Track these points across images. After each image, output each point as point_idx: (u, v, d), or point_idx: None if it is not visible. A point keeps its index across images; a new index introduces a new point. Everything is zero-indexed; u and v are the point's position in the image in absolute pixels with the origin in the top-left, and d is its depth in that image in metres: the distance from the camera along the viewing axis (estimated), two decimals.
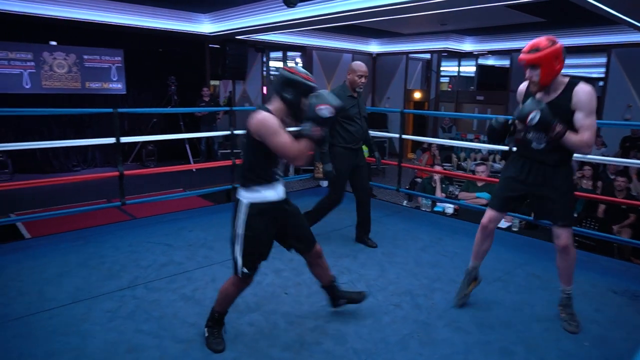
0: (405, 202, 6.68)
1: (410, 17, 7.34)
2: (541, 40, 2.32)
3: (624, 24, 7.24)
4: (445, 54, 12.35)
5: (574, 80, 2.35)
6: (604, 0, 5.69)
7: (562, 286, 2.64)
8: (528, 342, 2.42)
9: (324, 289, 2.60)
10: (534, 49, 2.32)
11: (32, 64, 7.65)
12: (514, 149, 2.64)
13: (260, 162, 2.16)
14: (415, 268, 3.35)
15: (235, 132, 5.13)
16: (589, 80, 17.48)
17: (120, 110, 4.13)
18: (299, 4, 6.71)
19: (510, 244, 3.93)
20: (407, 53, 12.89)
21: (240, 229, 2.19)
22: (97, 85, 8.41)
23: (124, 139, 4.32)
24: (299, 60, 12.99)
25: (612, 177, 6.54)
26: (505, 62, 11.90)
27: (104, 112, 4.50)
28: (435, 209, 5.26)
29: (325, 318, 2.61)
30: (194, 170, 7.43)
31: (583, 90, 2.30)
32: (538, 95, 2.40)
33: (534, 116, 2.26)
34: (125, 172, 4.18)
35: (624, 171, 6.68)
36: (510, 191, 2.59)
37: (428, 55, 12.76)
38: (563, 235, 2.48)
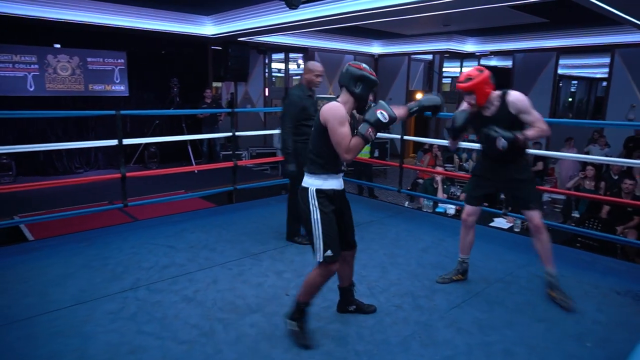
0: (406, 203, 6.69)
1: (413, 18, 7.34)
2: (472, 71, 2.80)
3: (628, 24, 7.21)
4: (448, 55, 12.34)
5: (504, 91, 2.83)
6: (607, 0, 5.67)
7: (545, 268, 2.90)
8: (530, 343, 2.41)
9: (340, 290, 2.66)
10: (468, 79, 2.77)
11: (36, 66, 7.69)
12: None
13: (329, 151, 2.25)
14: (417, 269, 3.35)
15: (237, 133, 5.15)
16: (592, 81, 17.45)
17: (122, 112, 4.15)
18: (301, 6, 6.72)
19: (512, 244, 3.92)
20: (409, 54, 12.89)
21: (315, 214, 2.27)
22: (100, 87, 8.45)
23: (126, 141, 4.34)
24: (301, 62, 13.01)
25: (616, 177, 6.51)
26: (508, 63, 11.88)
27: (107, 114, 4.51)
28: (437, 209, 5.26)
29: (327, 319, 2.61)
30: (196, 171, 7.45)
31: (514, 98, 2.79)
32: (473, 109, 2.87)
33: (503, 143, 2.71)
34: (128, 174, 4.20)
35: (628, 172, 6.66)
36: (480, 188, 3.02)
37: (430, 56, 12.75)
38: (535, 217, 2.84)
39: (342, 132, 2.18)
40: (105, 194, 5.84)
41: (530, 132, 2.78)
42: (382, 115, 2.19)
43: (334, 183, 2.32)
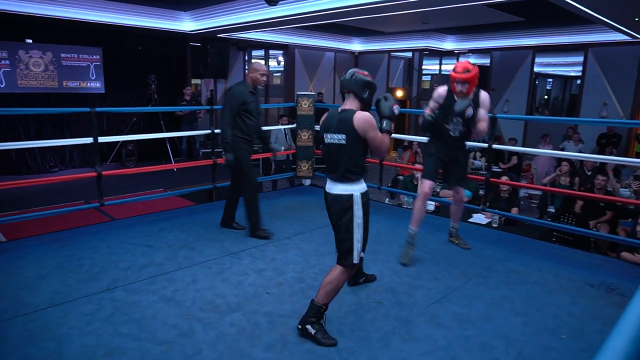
0: (387, 200, 6.72)
1: (392, 15, 7.37)
2: (468, 64, 3.30)
3: (601, 23, 7.40)
4: (427, 52, 12.46)
5: (477, 88, 3.41)
6: (581, 1, 5.80)
7: (452, 224, 3.79)
8: (508, 336, 2.46)
9: None
10: (466, 71, 3.26)
11: (7, 62, 7.46)
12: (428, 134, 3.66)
13: (362, 157, 2.40)
14: (397, 265, 3.37)
15: (217, 130, 5.09)
16: (566, 79, 17.83)
17: (98, 109, 4.06)
18: (281, 2, 6.68)
19: (490, 240, 3.99)
20: (389, 51, 12.96)
21: (360, 219, 2.37)
22: (75, 84, 8.24)
23: (102, 139, 4.24)
24: (281, 58, 12.95)
25: (589, 173, 6.68)
26: (486, 61, 12.06)
27: (81, 111, 4.40)
28: None
29: None
30: (175, 170, 7.35)
31: (485, 95, 3.43)
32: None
33: (470, 112, 3.26)
34: (104, 173, 4.11)
35: (601, 168, 6.84)
36: (437, 165, 3.56)
37: (410, 54, 12.85)
38: (461, 191, 3.72)
39: (379, 137, 2.39)
40: (81, 193, 5.71)
41: (479, 123, 3.35)
42: (397, 109, 2.46)
43: (366, 185, 2.46)
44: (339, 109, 2.44)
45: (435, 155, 3.56)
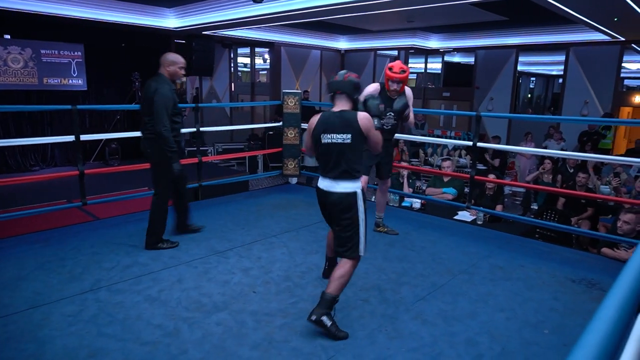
0: (373, 197, 6.74)
1: (378, 13, 7.40)
2: (403, 64, 3.54)
3: (581, 23, 7.53)
4: (413, 51, 12.53)
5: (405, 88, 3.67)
6: (562, 1, 5.90)
7: (378, 214, 4.03)
8: (492, 332, 2.49)
9: (329, 259, 2.97)
10: (402, 71, 3.49)
11: None
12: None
13: (361, 155, 2.52)
14: (383, 263, 3.38)
15: (202, 129, 5.04)
16: (549, 78, 18.09)
17: (79, 107, 3.99)
18: (266, 0, 6.65)
19: (474, 236, 4.03)
20: (375, 50, 13.00)
21: (363, 213, 2.49)
22: (55, 81, 8.08)
23: (84, 137, 4.17)
24: (267, 56, 12.89)
25: (571, 170, 6.80)
26: (470, 60, 12.18)
27: (63, 109, 4.32)
28: (403, 204, 5.33)
29: (294, 315, 2.60)
30: None
31: (409, 91, 3.69)
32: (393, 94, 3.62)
33: (407, 110, 3.65)
34: (86, 171, 4.04)
35: (582, 165, 6.96)
36: (371, 160, 3.64)
37: (396, 52, 12.91)
38: (388, 182, 4.00)
39: (377, 134, 2.55)
40: (63, 192, 5.61)
41: (412, 117, 3.82)
42: (382, 108, 2.73)
43: None
44: (335, 110, 2.49)
45: (368, 151, 3.69)
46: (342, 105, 2.50)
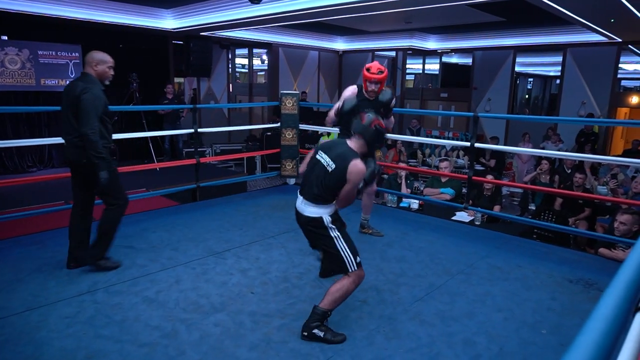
0: None
1: (376, 14, 7.41)
2: (381, 66, 3.47)
3: (578, 24, 7.56)
4: (410, 51, 12.55)
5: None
6: (558, 1, 5.92)
7: (364, 216, 4.02)
8: (490, 332, 2.49)
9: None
10: (380, 72, 3.43)
11: None
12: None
13: (337, 192, 2.43)
14: (381, 263, 3.39)
15: (200, 130, 5.04)
16: (546, 78, 18.10)
17: None
18: (264, 0, 6.65)
19: (472, 237, 4.04)
20: (372, 50, 13.01)
21: (333, 232, 2.44)
22: (53, 82, 8.05)
23: None
24: (265, 57, 12.89)
25: (569, 171, 6.82)
26: (468, 60, 12.21)
27: (60, 110, 4.30)
28: (401, 204, 5.34)
29: (292, 316, 2.60)
30: (158, 169, 7.25)
31: (388, 93, 3.58)
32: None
33: (393, 102, 3.67)
34: None
35: (579, 165, 6.98)
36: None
37: (393, 53, 12.92)
38: (375, 185, 3.94)
39: (352, 192, 2.43)
40: (60, 194, 5.58)
41: (392, 117, 3.82)
42: (377, 170, 2.63)
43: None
44: (348, 142, 2.49)
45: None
46: (355, 146, 2.47)
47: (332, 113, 3.57)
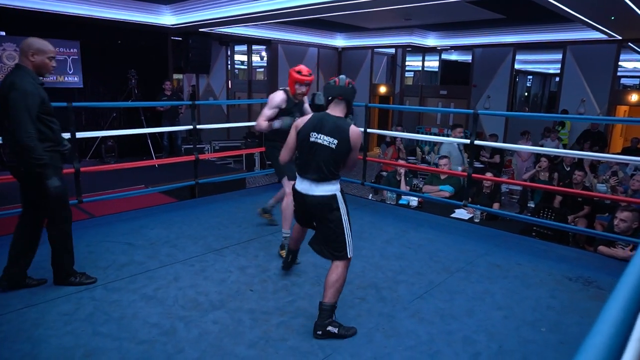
0: (370, 195, 6.74)
1: (375, 11, 7.38)
2: (309, 69, 3.48)
3: (579, 21, 7.54)
4: (410, 48, 12.52)
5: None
6: None
7: (272, 203, 3.99)
8: (489, 330, 2.49)
9: (292, 252, 3.07)
10: (310, 74, 3.45)
11: None
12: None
13: (341, 164, 2.50)
14: (381, 261, 3.38)
15: (199, 126, 5.02)
16: (545, 76, 18.08)
17: (75, 104, 3.96)
18: None
19: (472, 234, 4.03)
20: (372, 47, 12.98)
21: (346, 214, 2.47)
22: (51, 78, 8.01)
23: (80, 134, 4.15)
24: (264, 54, 12.85)
25: (568, 169, 6.82)
26: (467, 58, 12.18)
27: (58, 106, 4.28)
28: (400, 202, 5.33)
29: (291, 314, 2.59)
30: (156, 166, 7.24)
31: (321, 98, 3.42)
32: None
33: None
34: (82, 169, 4.01)
35: (579, 163, 6.98)
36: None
37: (393, 50, 12.89)
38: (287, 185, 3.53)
39: (357, 157, 2.55)
40: None
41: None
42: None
43: None
44: (331, 114, 2.48)
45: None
46: (338, 111, 2.49)
47: (263, 123, 3.44)
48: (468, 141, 4.30)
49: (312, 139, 2.45)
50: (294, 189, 2.59)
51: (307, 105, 3.62)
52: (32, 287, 2.78)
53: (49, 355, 2.16)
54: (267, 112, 3.45)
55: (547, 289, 3.00)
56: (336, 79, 2.51)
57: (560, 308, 2.76)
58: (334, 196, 2.45)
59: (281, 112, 3.47)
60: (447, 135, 10.97)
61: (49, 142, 2.64)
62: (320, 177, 2.43)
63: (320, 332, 2.36)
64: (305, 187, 2.49)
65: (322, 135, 2.42)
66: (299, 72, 3.41)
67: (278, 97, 3.46)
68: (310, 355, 2.23)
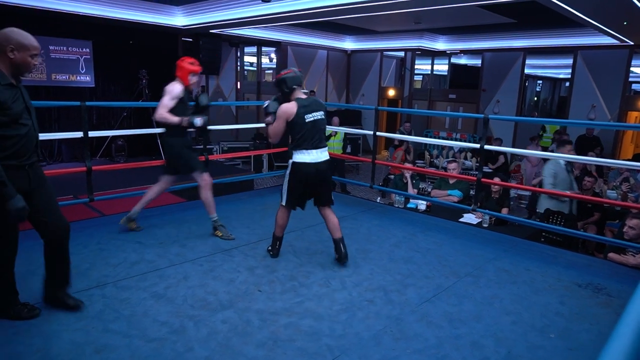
0: (379, 198, 6.74)
1: (385, 14, 7.39)
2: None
3: (590, 26, 7.49)
4: (419, 52, 12.51)
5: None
6: (570, 3, 5.87)
7: (210, 215, 3.79)
8: (497, 335, 2.48)
9: (279, 239, 3.46)
10: (198, 63, 3.67)
11: None
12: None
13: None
14: (389, 264, 3.38)
15: (209, 127, 5.04)
16: (555, 81, 17.95)
17: (88, 103, 4.01)
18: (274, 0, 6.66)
19: (480, 239, 4.02)
20: (381, 50, 12.99)
21: None
22: (64, 77, 8.12)
23: (92, 133, 4.20)
24: (273, 55, 12.90)
25: (577, 174, 6.76)
26: (477, 62, 12.14)
27: (71, 105, 4.34)
28: (409, 205, 5.33)
29: (299, 315, 2.60)
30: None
31: (206, 98, 4.00)
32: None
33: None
34: (94, 168, 4.06)
35: (585, 169, 6.93)
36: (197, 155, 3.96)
37: (402, 53, 12.89)
38: (197, 176, 3.78)
39: None
40: (70, 188, 5.62)
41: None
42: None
43: None
44: (303, 97, 3.18)
45: (191, 146, 3.88)
46: (302, 93, 3.19)
47: (167, 115, 3.55)
48: (478, 145, 4.29)
49: (311, 118, 3.12)
50: (302, 164, 3.14)
51: (202, 97, 3.89)
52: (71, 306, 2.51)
53: (61, 350, 2.19)
54: (169, 102, 3.55)
55: (556, 295, 2.98)
56: (294, 70, 3.21)
57: (569, 314, 2.74)
58: (330, 158, 3.26)
59: (179, 103, 3.60)
60: (456, 140, 10.94)
61: (11, 162, 2.19)
62: (323, 145, 3.20)
63: (347, 257, 3.26)
64: (314, 157, 3.15)
65: (314, 113, 3.14)
66: (192, 64, 3.61)
67: (178, 88, 3.60)
68: (318, 356, 2.24)
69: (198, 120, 3.61)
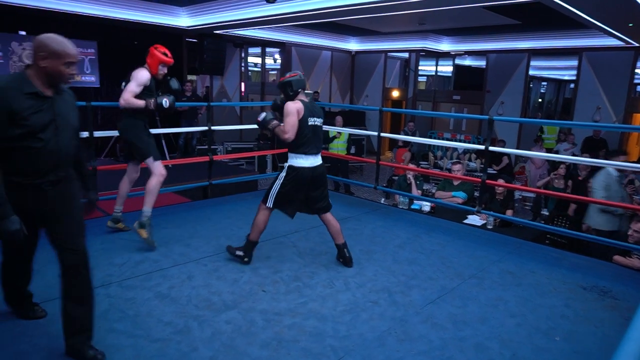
0: (383, 199, 6.73)
1: (389, 15, 7.38)
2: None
3: (595, 28, 7.46)
4: (423, 53, 12.49)
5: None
6: (575, 4, 5.85)
7: (145, 208, 3.57)
8: (502, 337, 2.47)
9: (254, 244, 3.37)
10: (165, 54, 3.70)
11: (0, 54, 7.37)
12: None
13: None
14: (393, 265, 3.38)
15: (213, 127, 5.07)
16: (560, 82, 17.90)
17: (93, 103, 4.03)
18: (278, 0, 6.67)
19: (484, 241, 4.01)
20: (385, 52, 12.98)
21: None
22: None
23: (97, 133, 4.21)
24: (277, 56, 12.92)
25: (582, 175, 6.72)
26: (482, 63, 12.11)
27: (76, 105, 4.35)
28: (413, 206, 5.32)
29: (303, 315, 2.60)
30: (170, 166, 7.29)
31: (176, 83, 4.11)
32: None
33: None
34: (98, 167, 4.08)
35: (592, 172, 6.89)
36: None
37: (406, 54, 12.88)
38: (150, 165, 3.72)
39: None
40: None
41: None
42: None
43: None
44: (306, 100, 3.18)
45: (150, 134, 3.78)
46: (304, 97, 3.19)
47: (133, 100, 3.51)
48: (482, 147, 4.28)
49: (313, 123, 3.15)
50: (301, 169, 3.11)
51: (172, 81, 3.96)
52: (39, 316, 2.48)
53: None
54: (136, 89, 3.50)
55: (561, 298, 2.97)
56: (299, 73, 3.20)
57: (575, 317, 2.73)
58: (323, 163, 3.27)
59: (145, 90, 3.58)
60: (460, 141, 10.91)
61: (19, 176, 1.97)
62: (320, 150, 3.22)
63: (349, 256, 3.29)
64: (311, 161, 3.14)
65: (316, 118, 3.18)
66: (165, 54, 3.64)
67: (145, 75, 3.58)
68: (322, 357, 2.24)
69: (165, 101, 3.56)
